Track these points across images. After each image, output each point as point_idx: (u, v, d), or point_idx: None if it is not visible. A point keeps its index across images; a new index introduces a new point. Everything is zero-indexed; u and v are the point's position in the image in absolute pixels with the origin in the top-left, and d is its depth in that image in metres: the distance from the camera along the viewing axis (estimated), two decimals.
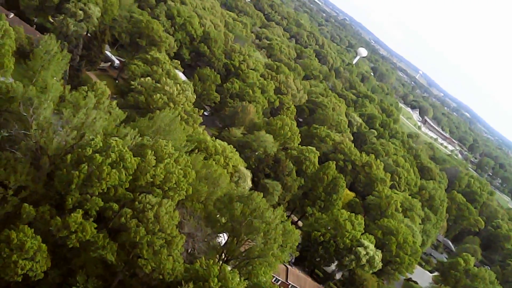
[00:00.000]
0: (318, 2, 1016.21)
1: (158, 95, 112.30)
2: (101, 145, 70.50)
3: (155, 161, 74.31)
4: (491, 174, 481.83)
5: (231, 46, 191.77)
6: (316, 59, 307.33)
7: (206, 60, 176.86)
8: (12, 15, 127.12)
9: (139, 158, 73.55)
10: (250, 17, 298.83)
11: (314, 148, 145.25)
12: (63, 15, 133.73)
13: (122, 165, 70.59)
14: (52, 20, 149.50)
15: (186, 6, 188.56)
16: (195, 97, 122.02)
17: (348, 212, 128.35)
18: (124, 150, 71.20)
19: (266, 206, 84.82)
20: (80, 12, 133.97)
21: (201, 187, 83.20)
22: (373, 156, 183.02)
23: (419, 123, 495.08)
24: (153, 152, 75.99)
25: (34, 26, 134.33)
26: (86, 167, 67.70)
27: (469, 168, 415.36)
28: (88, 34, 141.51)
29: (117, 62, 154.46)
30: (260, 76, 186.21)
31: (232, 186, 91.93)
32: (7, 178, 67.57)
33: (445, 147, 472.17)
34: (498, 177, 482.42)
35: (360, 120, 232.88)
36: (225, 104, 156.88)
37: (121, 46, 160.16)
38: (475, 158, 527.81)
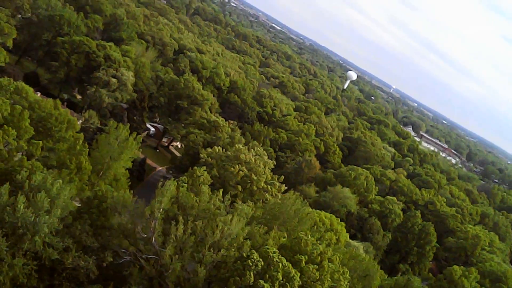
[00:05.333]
0: (283, 30, 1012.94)
1: (237, 166, 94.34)
2: (262, 262, 52.53)
3: (317, 272, 56.62)
4: (497, 181, 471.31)
5: (257, 91, 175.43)
6: (323, 90, 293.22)
7: (238, 110, 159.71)
8: (39, 94, 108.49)
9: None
10: (249, 56, 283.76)
11: (394, 198, 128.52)
12: (94, 86, 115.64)
13: (288, 286, 52.83)
14: (74, 94, 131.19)
15: (205, 55, 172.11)
16: (274, 162, 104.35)
17: (462, 267, 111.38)
18: (288, 267, 53.41)
19: None
20: (114, 80, 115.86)
21: (358, 285, 65.54)
22: (432, 191, 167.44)
23: (417, 139, 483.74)
24: (306, 257, 58.37)
25: (65, 103, 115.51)
26: None
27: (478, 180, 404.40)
28: (121, 104, 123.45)
29: (152, 129, 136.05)
30: (295, 119, 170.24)
31: (383, 276, 74.23)
32: None
33: (448, 160, 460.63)
34: (505, 183, 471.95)
35: (392, 150, 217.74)
36: (277, 159, 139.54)
37: (151, 109, 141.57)
38: (476, 167, 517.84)
